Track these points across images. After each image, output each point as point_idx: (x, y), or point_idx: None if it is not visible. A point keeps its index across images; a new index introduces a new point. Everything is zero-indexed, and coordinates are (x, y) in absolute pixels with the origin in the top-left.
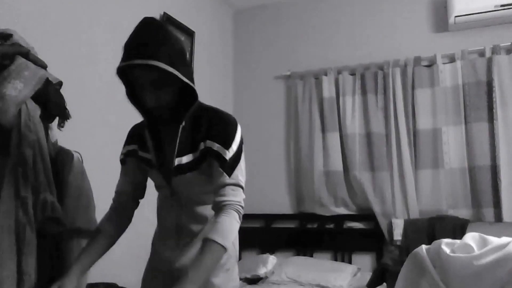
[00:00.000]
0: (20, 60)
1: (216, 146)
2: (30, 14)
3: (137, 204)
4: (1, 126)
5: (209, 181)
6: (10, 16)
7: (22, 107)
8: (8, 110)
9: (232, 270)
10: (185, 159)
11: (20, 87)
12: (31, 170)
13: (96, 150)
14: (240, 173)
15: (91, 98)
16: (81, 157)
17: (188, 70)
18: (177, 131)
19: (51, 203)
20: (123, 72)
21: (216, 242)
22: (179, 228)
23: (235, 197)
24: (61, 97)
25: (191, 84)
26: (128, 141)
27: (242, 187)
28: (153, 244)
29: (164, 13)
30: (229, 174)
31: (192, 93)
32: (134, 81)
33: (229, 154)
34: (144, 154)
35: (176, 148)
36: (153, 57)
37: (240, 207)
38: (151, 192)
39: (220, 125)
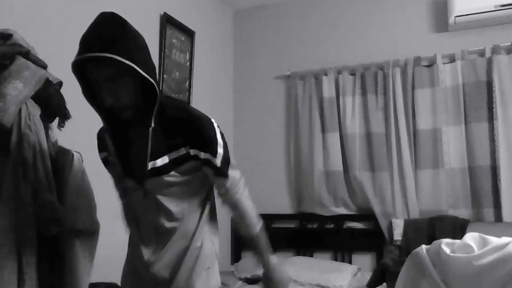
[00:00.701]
0: (20, 60)
1: (203, 155)
2: (30, 14)
3: None
4: (1, 126)
5: (186, 179)
6: (10, 16)
7: (22, 107)
8: (8, 110)
9: (213, 268)
10: (160, 161)
11: (20, 87)
12: (31, 170)
13: (96, 150)
14: (233, 168)
15: None
16: (81, 157)
17: (148, 64)
18: (147, 134)
19: (51, 203)
20: (79, 69)
21: (255, 232)
22: (157, 228)
23: (239, 188)
24: (61, 97)
25: (150, 79)
26: (99, 148)
27: (240, 178)
28: (130, 245)
29: (164, 13)
30: (227, 177)
31: (153, 90)
32: (91, 79)
33: (218, 160)
34: (114, 159)
35: (149, 151)
36: (108, 50)
37: (246, 191)
38: None
39: (197, 129)
